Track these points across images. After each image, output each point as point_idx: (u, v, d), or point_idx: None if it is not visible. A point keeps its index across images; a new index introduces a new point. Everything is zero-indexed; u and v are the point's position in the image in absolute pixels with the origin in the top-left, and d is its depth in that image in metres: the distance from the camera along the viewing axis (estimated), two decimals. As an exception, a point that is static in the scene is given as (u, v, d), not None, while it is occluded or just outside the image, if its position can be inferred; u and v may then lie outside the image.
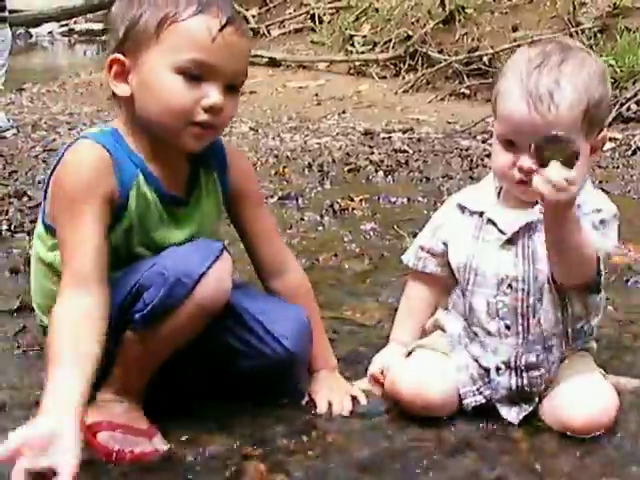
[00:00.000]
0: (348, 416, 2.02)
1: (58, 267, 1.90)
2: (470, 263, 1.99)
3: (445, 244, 2.06)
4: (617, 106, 5.90)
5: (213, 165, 2.01)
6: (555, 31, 7.57)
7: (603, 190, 4.02)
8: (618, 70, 6.40)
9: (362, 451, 1.87)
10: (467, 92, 7.46)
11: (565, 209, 1.73)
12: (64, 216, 1.81)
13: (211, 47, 1.81)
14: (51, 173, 1.91)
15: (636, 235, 3.33)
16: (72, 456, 1.56)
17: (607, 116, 2.04)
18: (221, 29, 1.81)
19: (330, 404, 2.04)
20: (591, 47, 6.71)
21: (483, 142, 5.54)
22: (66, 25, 16.51)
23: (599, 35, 7.37)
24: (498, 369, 1.96)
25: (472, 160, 5.07)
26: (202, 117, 1.84)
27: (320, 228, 3.70)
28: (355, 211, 3.95)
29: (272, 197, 4.12)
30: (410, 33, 8.42)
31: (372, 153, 5.33)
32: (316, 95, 8.00)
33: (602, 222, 1.89)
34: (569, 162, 1.70)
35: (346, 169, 4.86)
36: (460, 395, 1.99)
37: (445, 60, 7.83)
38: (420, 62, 8.10)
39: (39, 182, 4.39)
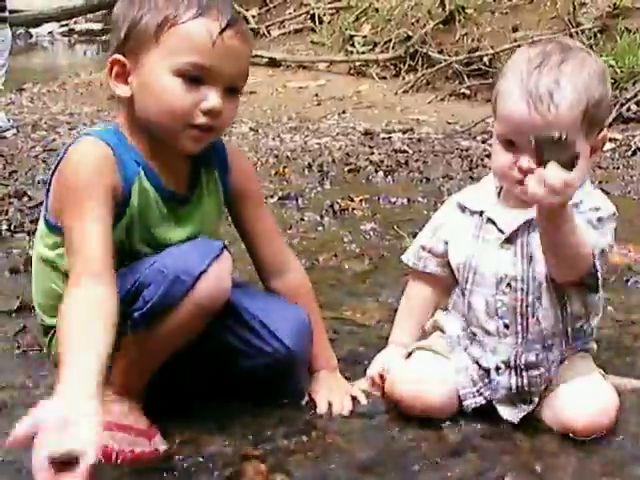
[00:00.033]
0: (348, 416, 2.02)
1: (59, 265, 1.90)
2: (470, 262, 1.99)
3: (446, 243, 2.06)
4: (617, 106, 5.90)
5: (214, 164, 2.02)
6: (555, 31, 7.57)
7: (603, 190, 4.04)
8: (618, 70, 6.40)
9: (362, 451, 1.87)
10: (467, 92, 7.47)
11: (558, 211, 1.72)
12: (70, 208, 1.80)
13: (211, 50, 1.81)
14: (54, 170, 1.91)
15: (636, 235, 3.34)
16: (92, 441, 1.50)
17: (607, 116, 2.04)
18: (221, 32, 1.81)
19: (330, 404, 2.04)
20: (591, 47, 6.71)
21: (483, 142, 5.54)
22: (66, 25, 16.53)
23: (599, 35, 7.37)
24: (498, 369, 1.96)
25: (472, 160, 5.07)
26: (201, 120, 1.84)
27: (320, 228, 3.70)
28: (355, 211, 3.95)
29: (272, 197, 4.13)
30: (410, 33, 8.42)
31: (372, 153, 5.33)
32: (316, 95, 8.00)
33: (599, 220, 1.89)
34: (568, 164, 1.68)
35: (346, 169, 4.86)
36: (460, 397, 1.99)
37: (445, 60, 7.84)
38: (420, 62, 8.10)
39: (39, 182, 4.40)
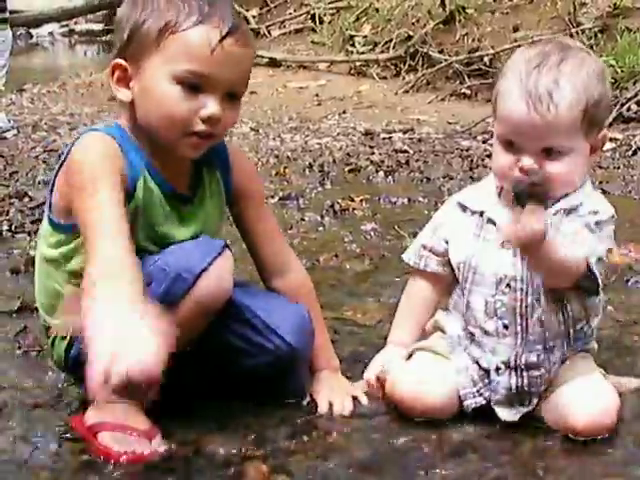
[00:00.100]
0: (349, 417, 2.02)
1: (63, 265, 1.90)
2: (470, 262, 1.99)
3: (447, 242, 2.06)
4: (617, 106, 5.89)
5: (216, 165, 2.02)
6: (555, 31, 7.57)
7: (603, 191, 4.05)
8: (618, 70, 6.39)
9: (363, 451, 1.87)
10: (468, 92, 7.46)
11: (536, 247, 1.74)
12: (82, 195, 1.78)
13: (210, 58, 1.82)
14: (58, 168, 1.90)
15: (637, 235, 3.33)
16: (151, 350, 1.52)
17: (607, 115, 2.05)
18: (221, 40, 1.82)
19: (331, 404, 2.04)
20: (591, 47, 6.70)
21: (484, 142, 5.54)
22: (66, 26, 16.51)
23: (599, 35, 7.36)
24: (498, 369, 1.96)
25: (473, 160, 5.07)
26: (200, 127, 1.85)
27: (321, 228, 3.70)
28: (356, 211, 3.95)
29: (273, 197, 4.12)
30: (410, 33, 8.41)
31: (373, 153, 5.32)
32: (317, 95, 8.00)
33: (597, 224, 1.88)
34: (542, 200, 1.75)
35: (347, 169, 4.86)
36: (460, 397, 1.99)
37: (445, 60, 7.83)
38: (420, 62, 8.09)
39: (39, 183, 4.40)
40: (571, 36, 7.09)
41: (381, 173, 4.75)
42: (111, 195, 1.77)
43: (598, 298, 1.98)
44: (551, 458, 1.85)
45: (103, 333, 1.54)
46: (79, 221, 1.80)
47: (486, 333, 1.97)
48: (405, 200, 4.14)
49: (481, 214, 2.00)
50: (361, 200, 4.10)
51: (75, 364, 1.96)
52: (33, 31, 16.01)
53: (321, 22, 9.91)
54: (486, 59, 7.58)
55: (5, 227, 3.57)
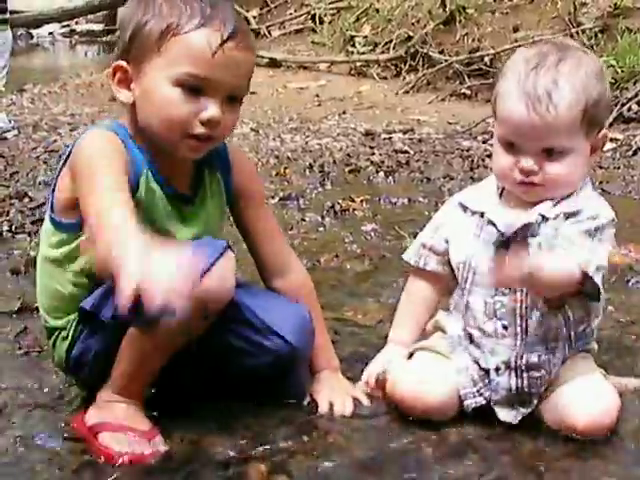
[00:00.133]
0: (349, 417, 2.02)
1: (64, 265, 1.90)
2: (470, 262, 1.99)
3: (447, 242, 2.06)
4: (618, 106, 5.89)
5: (217, 165, 2.02)
6: (556, 31, 7.57)
7: (604, 191, 4.05)
8: (619, 70, 6.39)
9: (363, 452, 1.87)
10: (468, 92, 7.46)
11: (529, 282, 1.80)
12: (86, 180, 1.76)
13: (211, 62, 1.82)
14: (62, 166, 1.90)
15: (637, 236, 3.33)
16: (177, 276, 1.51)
17: (607, 115, 2.05)
18: (222, 44, 1.82)
19: (332, 404, 2.04)
20: (592, 47, 6.71)
21: (484, 142, 5.54)
22: (67, 26, 16.51)
23: (600, 35, 7.36)
24: (498, 369, 1.96)
25: (473, 161, 5.07)
26: (199, 130, 1.85)
27: (321, 229, 3.70)
28: (356, 212, 3.95)
29: (273, 198, 4.12)
30: (411, 34, 8.41)
31: (373, 154, 5.32)
32: (317, 96, 8.00)
33: (597, 229, 1.88)
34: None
35: (347, 170, 4.86)
36: (460, 397, 1.99)
37: (446, 61, 7.83)
38: (421, 63, 8.09)
39: (40, 183, 4.40)
40: (571, 36, 7.09)
41: (381, 173, 4.75)
42: (117, 179, 1.76)
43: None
44: (551, 458, 1.85)
45: (131, 256, 1.52)
46: (82, 206, 1.76)
47: (485, 334, 1.97)
48: (405, 200, 4.14)
49: (481, 215, 2.00)
50: (361, 200, 4.10)
51: (76, 365, 1.97)
52: (33, 31, 16.02)
53: (321, 22, 9.91)
54: (486, 59, 7.58)
55: (5, 227, 3.57)
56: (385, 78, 8.31)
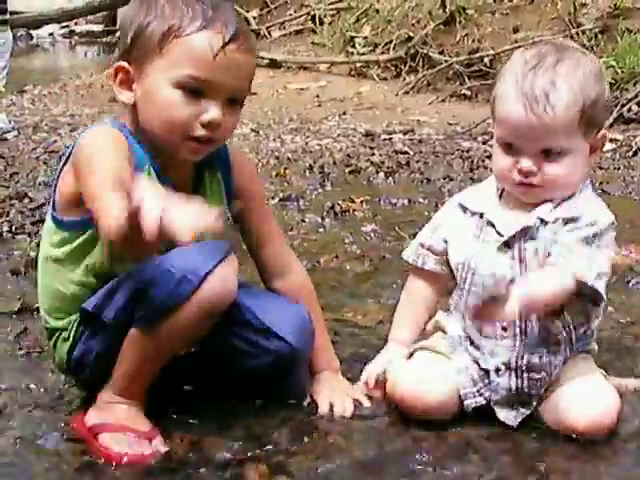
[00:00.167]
0: (349, 417, 2.02)
1: (66, 264, 1.90)
2: (469, 263, 1.99)
3: (446, 242, 2.06)
4: (618, 107, 5.89)
5: (217, 166, 2.02)
6: (556, 32, 7.57)
7: (604, 191, 4.05)
8: (619, 71, 6.39)
9: (363, 452, 1.87)
10: (468, 93, 7.46)
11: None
12: (88, 168, 1.72)
13: (212, 64, 1.82)
14: (64, 163, 1.89)
15: (637, 236, 3.33)
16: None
17: (606, 115, 2.04)
18: (223, 46, 1.82)
19: (332, 405, 2.04)
20: (592, 48, 6.72)
21: (484, 143, 5.54)
22: (67, 27, 16.53)
23: (600, 36, 7.36)
24: (498, 370, 1.96)
25: (473, 161, 5.07)
26: (200, 132, 1.85)
27: (321, 230, 3.71)
28: (356, 213, 3.95)
29: (273, 199, 4.12)
30: (411, 34, 8.41)
31: (373, 154, 5.32)
32: (317, 96, 8.00)
33: (595, 235, 1.88)
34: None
35: (347, 170, 4.86)
36: (461, 397, 1.99)
37: (446, 61, 7.83)
38: (421, 63, 8.10)
39: (40, 184, 4.40)
40: (571, 37, 7.10)
41: (381, 174, 4.75)
42: (120, 164, 1.71)
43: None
44: (552, 459, 1.85)
45: (148, 196, 1.52)
46: (84, 187, 1.72)
47: (484, 335, 1.97)
48: (405, 201, 4.14)
49: (481, 215, 2.00)
50: (361, 201, 4.10)
51: (77, 366, 1.97)
52: (33, 32, 16.03)
53: (321, 23, 9.91)
54: (486, 60, 7.58)
55: (5, 228, 3.57)
56: (385, 79, 8.31)
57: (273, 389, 2.03)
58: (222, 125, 1.86)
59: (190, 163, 1.97)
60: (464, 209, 2.04)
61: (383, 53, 8.62)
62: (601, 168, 4.84)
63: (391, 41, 8.57)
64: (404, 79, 8.09)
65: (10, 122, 6.27)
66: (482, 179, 2.17)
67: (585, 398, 1.91)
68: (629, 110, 6.01)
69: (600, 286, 1.85)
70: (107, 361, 1.88)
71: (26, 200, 4.05)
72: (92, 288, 1.90)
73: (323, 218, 3.84)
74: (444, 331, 2.07)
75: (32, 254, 3.03)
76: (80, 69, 10.54)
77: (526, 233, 1.92)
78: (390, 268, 3.10)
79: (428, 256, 2.09)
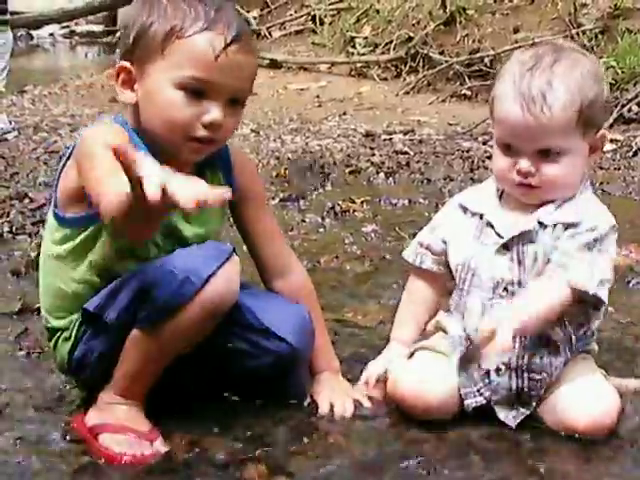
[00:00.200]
0: (350, 418, 2.02)
1: (67, 261, 1.90)
2: (468, 263, 1.99)
3: (445, 242, 2.06)
4: (618, 107, 5.89)
5: (218, 166, 2.03)
6: (556, 32, 7.57)
7: (604, 192, 4.05)
8: (619, 71, 6.39)
9: (364, 452, 1.87)
10: (468, 93, 7.46)
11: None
12: (88, 158, 1.72)
13: (213, 65, 1.82)
14: (66, 160, 1.89)
15: (637, 237, 3.34)
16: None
17: (604, 115, 2.04)
18: (225, 47, 1.82)
19: (332, 406, 2.04)
20: (592, 48, 6.72)
21: (484, 144, 5.54)
22: (67, 27, 16.52)
23: (600, 36, 7.36)
24: (498, 370, 1.96)
25: (473, 162, 5.07)
26: (201, 133, 1.85)
27: (321, 230, 3.71)
28: (356, 213, 3.95)
29: (273, 199, 4.12)
30: (411, 34, 8.41)
31: (373, 155, 5.32)
32: (317, 97, 8.00)
33: (596, 240, 1.88)
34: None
35: (347, 171, 4.86)
36: (461, 396, 1.99)
37: (446, 61, 7.83)
38: (421, 63, 8.09)
39: (40, 184, 4.39)
40: (572, 37, 7.09)
41: (382, 174, 4.75)
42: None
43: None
44: (552, 459, 1.85)
45: (149, 168, 1.52)
46: (87, 186, 1.71)
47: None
48: (406, 201, 4.14)
49: (481, 216, 2.00)
50: (362, 202, 4.10)
51: (78, 366, 1.97)
52: (34, 32, 16.00)
53: (322, 23, 9.90)
54: (487, 60, 7.58)
55: (6, 228, 3.57)
56: (385, 79, 8.31)
57: (273, 389, 2.03)
58: (223, 126, 1.86)
59: (191, 163, 1.97)
60: (464, 209, 2.04)
61: (383, 53, 8.62)
62: (601, 168, 4.84)
63: (391, 41, 8.57)
64: (404, 79, 8.09)
65: (10, 122, 6.27)
66: (482, 179, 2.17)
67: (585, 398, 1.92)
68: (629, 110, 6.01)
69: (603, 294, 1.86)
70: (108, 361, 1.88)
71: (26, 200, 4.04)
72: (94, 286, 1.91)
73: (323, 218, 3.84)
74: (445, 331, 2.07)
75: (33, 254, 3.03)
76: (80, 69, 10.53)
77: (525, 236, 1.92)
78: (390, 268, 3.10)
79: (426, 255, 2.09)
